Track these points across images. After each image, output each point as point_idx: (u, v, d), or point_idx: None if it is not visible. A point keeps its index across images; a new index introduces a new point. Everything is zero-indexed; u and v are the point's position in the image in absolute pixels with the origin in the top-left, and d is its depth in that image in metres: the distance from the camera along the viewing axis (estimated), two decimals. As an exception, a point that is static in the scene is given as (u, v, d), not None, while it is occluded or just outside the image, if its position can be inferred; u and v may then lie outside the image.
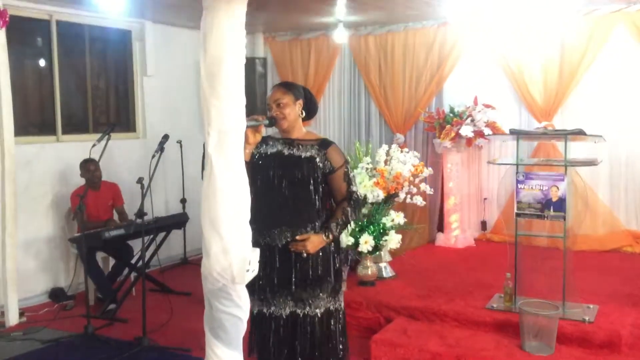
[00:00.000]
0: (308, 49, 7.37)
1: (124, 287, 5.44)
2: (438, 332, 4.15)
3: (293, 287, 2.88)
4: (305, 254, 2.81)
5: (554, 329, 3.81)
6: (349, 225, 3.02)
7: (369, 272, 4.91)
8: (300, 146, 2.94)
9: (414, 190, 5.02)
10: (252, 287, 2.97)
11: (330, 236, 2.84)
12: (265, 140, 3.04)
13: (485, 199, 6.65)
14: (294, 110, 2.94)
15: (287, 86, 3.02)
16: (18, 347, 4.52)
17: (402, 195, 4.99)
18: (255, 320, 2.98)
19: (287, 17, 6.59)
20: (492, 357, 3.78)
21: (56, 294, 5.62)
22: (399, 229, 4.90)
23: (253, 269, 2.00)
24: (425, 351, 3.92)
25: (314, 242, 2.80)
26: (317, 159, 2.90)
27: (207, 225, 1.97)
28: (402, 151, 5.06)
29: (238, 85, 1.94)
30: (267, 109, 3.00)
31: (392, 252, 5.45)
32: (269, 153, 2.96)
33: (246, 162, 2.87)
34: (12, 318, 4.97)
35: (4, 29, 4.76)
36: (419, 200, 4.99)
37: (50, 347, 4.52)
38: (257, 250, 2.04)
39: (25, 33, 5.77)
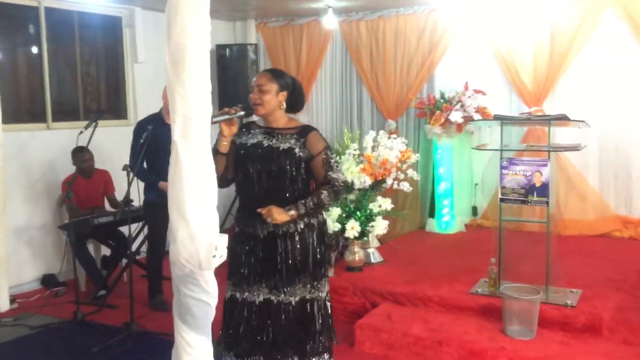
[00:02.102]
0: (300, 35, 7.35)
1: (115, 273, 5.48)
2: (422, 317, 4.19)
3: (271, 276, 2.92)
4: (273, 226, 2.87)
5: (535, 313, 3.84)
6: (323, 210, 3.01)
7: (357, 258, 4.93)
8: (280, 136, 2.94)
9: (401, 176, 5.03)
10: (231, 274, 3.02)
11: (293, 212, 2.84)
12: (248, 127, 3.04)
13: (476, 184, 6.65)
14: (274, 99, 2.92)
15: (274, 73, 2.99)
16: (7, 333, 4.57)
17: (389, 182, 5.00)
18: (227, 305, 3.01)
19: (278, 3, 6.57)
20: (474, 341, 3.81)
21: (48, 281, 5.66)
22: (386, 214, 4.92)
23: (220, 255, 2.02)
24: (409, 335, 3.96)
25: (275, 211, 2.81)
26: (296, 149, 2.90)
27: (174, 212, 1.98)
28: (389, 137, 5.06)
29: (203, 73, 1.94)
30: (250, 92, 2.99)
31: (381, 238, 5.48)
32: (249, 144, 2.96)
33: (223, 154, 2.90)
34: (3, 305, 5.03)
35: (-10, 17, 4.76)
36: (405, 187, 5.00)
37: (39, 333, 4.57)
38: (225, 236, 2.06)
39: (14, 20, 5.77)
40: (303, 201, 2.87)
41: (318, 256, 2.98)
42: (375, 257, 5.18)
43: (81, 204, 5.40)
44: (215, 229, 2.04)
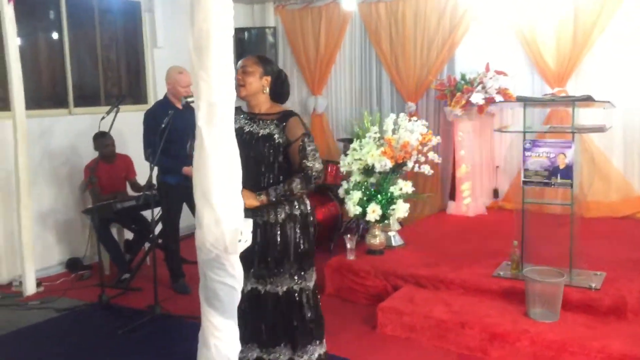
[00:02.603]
0: (319, 18, 7.30)
1: (138, 257, 5.55)
2: (444, 300, 4.18)
3: (255, 266, 2.93)
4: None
5: (559, 295, 3.82)
6: (293, 197, 2.93)
7: (377, 241, 4.93)
8: (261, 122, 2.94)
9: (422, 159, 5.00)
10: None
11: (263, 197, 2.83)
12: (235, 112, 3.01)
13: (497, 166, 6.60)
14: (257, 82, 2.92)
15: (260, 58, 2.99)
16: (34, 316, 4.66)
17: (410, 164, 4.98)
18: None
19: (296, -15, 6.55)
20: (496, 324, 3.80)
21: (73, 264, 5.75)
22: (407, 197, 4.91)
23: (245, 240, 2.04)
24: (430, 318, 3.96)
25: (245, 195, 2.65)
26: (276, 135, 2.89)
27: (200, 197, 2.00)
28: (410, 120, 5.03)
29: (226, 58, 1.95)
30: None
31: (402, 221, 5.47)
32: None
33: None
34: (29, 288, 5.11)
35: (12, 4, 4.79)
36: (426, 170, 4.97)
37: (64, 316, 4.65)
38: (250, 221, 2.07)
39: (35, 7, 5.80)
40: (274, 187, 2.85)
41: (301, 247, 2.96)
42: (396, 240, 5.18)
43: (104, 189, 5.45)
44: (241, 214, 2.06)
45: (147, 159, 4.70)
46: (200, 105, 1.96)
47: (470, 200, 6.44)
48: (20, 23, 4.95)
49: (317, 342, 3.02)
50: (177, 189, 4.79)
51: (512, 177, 6.45)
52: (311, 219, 3.04)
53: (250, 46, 7.25)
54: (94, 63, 6.31)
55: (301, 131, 2.90)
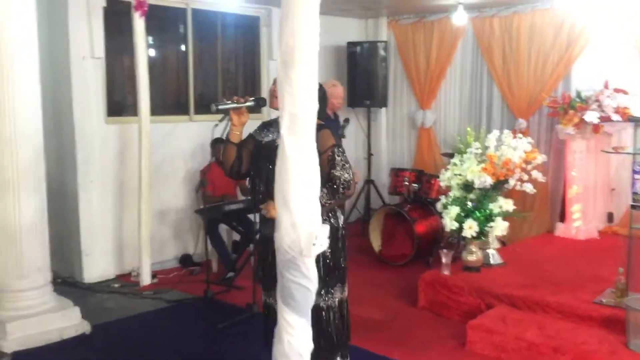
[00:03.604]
0: (431, 32, 7.31)
1: (243, 257, 5.86)
2: (538, 323, 4.06)
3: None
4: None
5: (664, 328, 3.59)
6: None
7: (474, 258, 4.87)
8: None
9: (525, 177, 4.88)
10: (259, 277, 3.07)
11: None
12: (269, 125, 3.04)
13: (613, 189, 6.25)
14: None
15: None
16: (148, 305, 5.09)
17: (511, 182, 4.87)
18: (264, 309, 3.10)
19: (410, 0, 6.60)
20: (593, 352, 3.65)
21: (184, 260, 6.18)
22: (506, 215, 4.81)
23: (321, 244, 2.15)
24: (522, 340, 3.87)
25: (271, 206, 2.66)
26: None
27: (280, 201, 2.15)
28: (514, 137, 4.92)
29: (311, 73, 2.08)
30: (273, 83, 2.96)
31: (504, 240, 5.35)
32: (263, 142, 2.97)
33: (235, 144, 2.92)
34: (145, 279, 5.56)
35: (143, 18, 5.26)
36: (528, 188, 4.84)
37: (173, 307, 5.04)
38: (327, 227, 2.18)
39: (164, 21, 6.33)
40: None
41: (330, 262, 2.93)
42: (495, 258, 5.07)
43: (214, 192, 5.82)
44: (317, 219, 2.18)
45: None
46: (283, 115, 2.11)
47: (581, 223, 6.14)
48: (151, 36, 5.42)
49: (340, 356, 3.00)
50: None
51: (629, 201, 6.07)
52: (342, 232, 2.98)
53: (362, 59, 7.40)
54: (214, 73, 6.76)
55: (331, 142, 2.87)
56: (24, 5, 4.07)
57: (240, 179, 3.19)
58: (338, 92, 5.12)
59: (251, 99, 2.90)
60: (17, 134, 4.07)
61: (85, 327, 4.39)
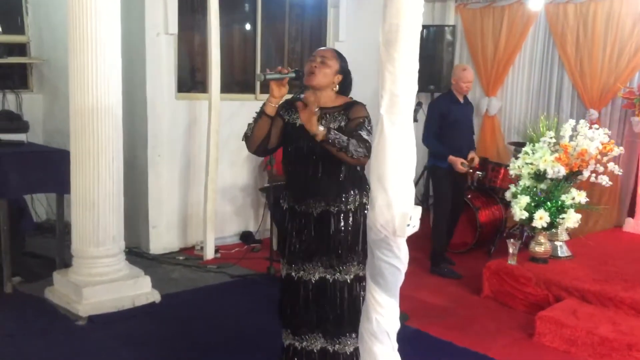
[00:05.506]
0: (500, 17, 7.14)
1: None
2: (611, 318, 3.98)
3: (325, 255, 2.92)
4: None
5: None
6: (344, 152, 2.73)
7: (542, 249, 4.79)
8: (327, 116, 2.87)
9: (601, 169, 4.75)
10: (283, 251, 3.06)
11: (323, 129, 2.68)
12: (292, 106, 2.95)
13: (689, 186, 6.03)
14: (331, 77, 2.89)
15: (339, 54, 2.98)
16: (211, 278, 5.20)
17: (585, 174, 4.75)
18: (284, 284, 3.08)
19: (480, -16, 6.48)
20: (669, 351, 3.55)
21: (246, 237, 6.28)
22: (578, 208, 4.69)
23: (414, 225, 2.15)
24: (594, 334, 3.80)
25: (309, 116, 2.67)
26: (344, 126, 2.85)
27: (375, 180, 2.15)
28: (591, 127, 4.79)
29: (412, 53, 2.06)
30: (309, 59, 2.95)
31: (571, 232, 5.24)
32: (297, 124, 2.89)
33: (270, 116, 2.83)
34: (209, 253, 5.67)
35: (217, -4, 5.32)
36: (604, 180, 4.71)
37: (236, 282, 5.13)
38: (419, 208, 2.17)
39: (235, 0, 6.37)
40: (336, 131, 2.73)
41: (349, 238, 2.92)
42: (563, 250, 4.98)
43: (279, 170, 5.86)
44: (411, 200, 2.17)
45: (423, 141, 5.30)
46: (383, 95, 2.09)
47: (652, 220, 5.96)
48: (220, 15, 5.47)
49: (354, 335, 2.92)
50: (446, 173, 5.28)
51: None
52: (364, 211, 2.91)
53: (427, 43, 7.28)
54: (280, 53, 6.78)
55: (364, 114, 2.86)
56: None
57: (262, 155, 3.16)
58: (468, 76, 5.23)
59: (292, 70, 2.87)
60: (98, 104, 4.18)
61: (155, 296, 4.53)
